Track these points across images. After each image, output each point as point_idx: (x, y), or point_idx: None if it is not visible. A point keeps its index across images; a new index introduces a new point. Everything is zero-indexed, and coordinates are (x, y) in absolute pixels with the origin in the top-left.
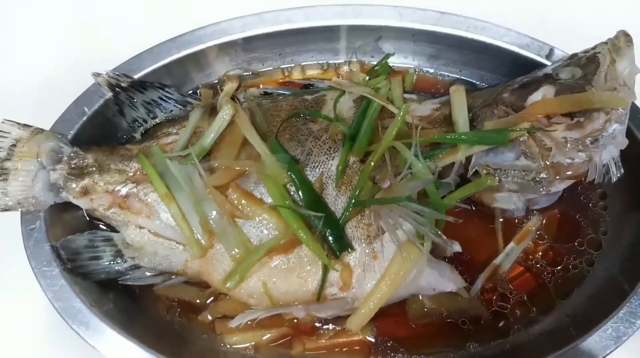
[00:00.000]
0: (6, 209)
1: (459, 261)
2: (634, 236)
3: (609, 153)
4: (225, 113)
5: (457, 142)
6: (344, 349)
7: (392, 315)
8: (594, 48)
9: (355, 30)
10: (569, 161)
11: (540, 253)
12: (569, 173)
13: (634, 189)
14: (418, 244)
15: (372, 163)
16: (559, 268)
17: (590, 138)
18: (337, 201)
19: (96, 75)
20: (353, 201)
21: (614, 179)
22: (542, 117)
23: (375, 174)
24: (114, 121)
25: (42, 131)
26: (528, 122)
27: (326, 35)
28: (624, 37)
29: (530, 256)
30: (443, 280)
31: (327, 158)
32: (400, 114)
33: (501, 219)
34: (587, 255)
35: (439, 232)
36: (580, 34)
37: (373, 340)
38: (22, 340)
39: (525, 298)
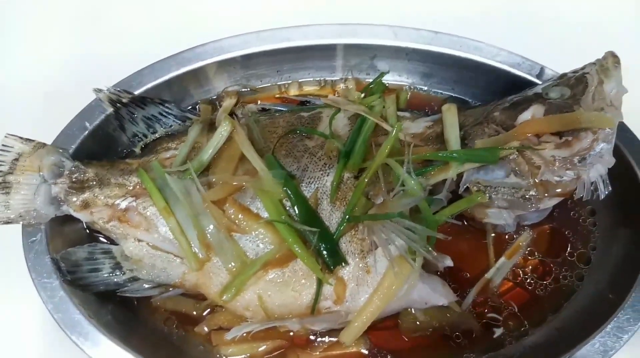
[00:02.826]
0: (8, 222)
1: (451, 275)
2: (623, 251)
3: (596, 171)
4: (223, 129)
5: (449, 160)
6: None
7: (385, 328)
8: (582, 68)
9: (351, 49)
10: (557, 179)
11: (530, 268)
12: (557, 190)
13: (623, 206)
14: (410, 259)
15: (366, 179)
16: (549, 282)
17: (578, 157)
18: (331, 216)
19: (97, 91)
20: (347, 216)
21: (602, 197)
22: (532, 136)
23: (369, 190)
24: (115, 136)
25: (44, 145)
26: (518, 141)
27: (323, 53)
28: (612, 59)
29: (521, 271)
30: (435, 294)
31: (322, 174)
32: (394, 132)
33: (493, 235)
34: (576, 270)
35: (430, 248)
36: (571, 54)
37: (367, 352)
38: (22, 351)
39: (516, 311)
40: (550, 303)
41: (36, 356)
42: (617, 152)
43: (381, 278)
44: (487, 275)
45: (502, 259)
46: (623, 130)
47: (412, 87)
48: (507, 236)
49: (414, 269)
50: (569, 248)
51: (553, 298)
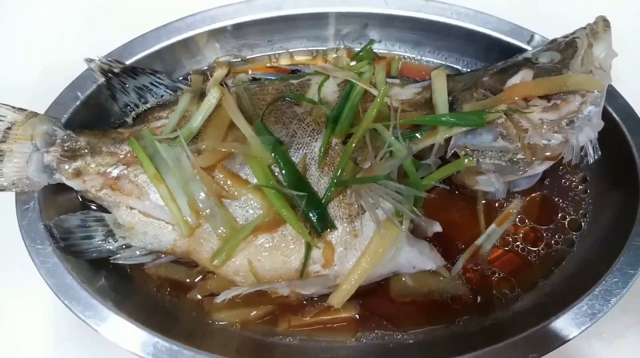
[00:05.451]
0: (1, 189)
1: (442, 242)
2: (613, 218)
3: (585, 135)
4: (212, 96)
5: (436, 123)
6: (334, 325)
7: (377, 294)
8: (573, 33)
9: (343, 18)
10: (545, 142)
11: (521, 235)
12: (546, 153)
13: (614, 173)
14: (396, 222)
15: (353, 144)
16: (540, 248)
17: (566, 120)
18: (320, 181)
19: (89, 61)
20: (335, 181)
21: (591, 161)
22: (520, 99)
23: (357, 155)
24: (107, 106)
25: (36, 114)
26: (505, 105)
27: (314, 22)
28: (602, 23)
29: (512, 238)
30: (423, 258)
31: (310, 140)
32: (380, 94)
33: (483, 202)
34: (567, 236)
35: (417, 210)
36: (564, 20)
37: (358, 316)
38: (17, 317)
39: (506, 277)
40: (541, 269)
41: (32, 323)
42: (608, 119)
43: (369, 242)
44: (477, 242)
45: (492, 226)
46: (614, 96)
47: (404, 56)
48: (497, 204)
49: (400, 231)
50: (560, 215)
51: (544, 263)
